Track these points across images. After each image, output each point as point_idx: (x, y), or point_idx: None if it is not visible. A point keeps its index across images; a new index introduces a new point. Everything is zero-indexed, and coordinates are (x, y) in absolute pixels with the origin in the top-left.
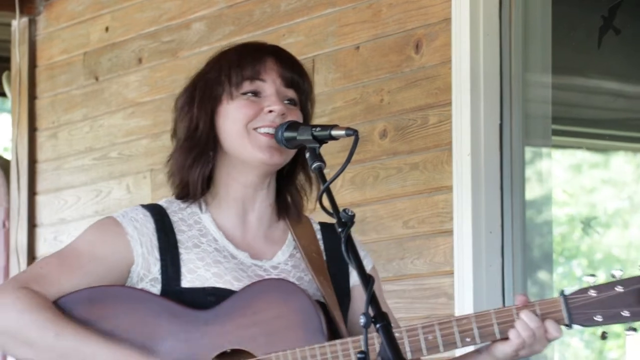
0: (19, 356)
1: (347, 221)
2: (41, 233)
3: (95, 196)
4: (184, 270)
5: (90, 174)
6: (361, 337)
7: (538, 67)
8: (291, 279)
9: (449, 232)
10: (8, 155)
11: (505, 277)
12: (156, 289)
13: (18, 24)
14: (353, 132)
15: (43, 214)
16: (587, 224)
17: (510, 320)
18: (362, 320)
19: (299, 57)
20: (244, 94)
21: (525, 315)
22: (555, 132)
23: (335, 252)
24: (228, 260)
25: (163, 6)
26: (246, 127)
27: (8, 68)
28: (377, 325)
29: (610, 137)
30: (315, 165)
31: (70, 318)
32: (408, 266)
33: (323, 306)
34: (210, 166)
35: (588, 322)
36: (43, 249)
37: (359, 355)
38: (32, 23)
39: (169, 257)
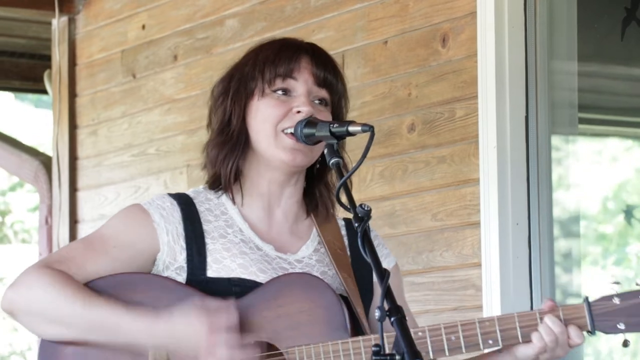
0: (47, 334)
1: (363, 216)
2: (82, 229)
3: (134, 192)
4: (209, 259)
5: (129, 170)
6: (384, 335)
7: (564, 55)
8: (315, 273)
9: (477, 225)
10: (50, 152)
11: (533, 269)
12: (181, 277)
13: (58, 23)
14: (369, 128)
15: (84, 210)
16: (630, 213)
17: (534, 325)
18: (377, 313)
19: (329, 52)
20: (275, 91)
21: (549, 320)
22: (582, 121)
23: (359, 248)
24: (253, 251)
25: (197, 3)
26: (275, 127)
27: (49, 66)
28: (392, 319)
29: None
30: (333, 161)
31: (95, 292)
32: (437, 258)
33: (346, 301)
34: (240, 160)
35: (611, 330)
36: None
37: (374, 349)
38: (71, 22)
39: (194, 247)
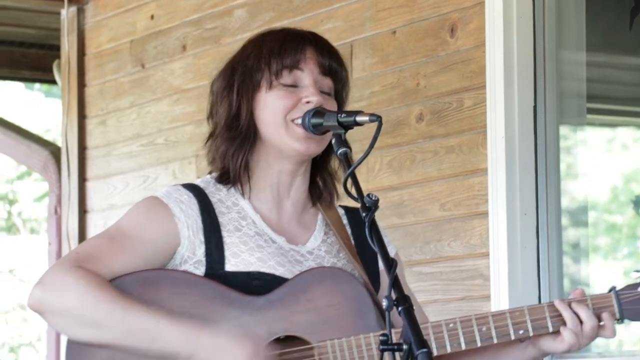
0: (81, 336)
1: (371, 206)
2: (92, 219)
3: (143, 182)
4: (227, 253)
5: (138, 160)
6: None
7: (572, 45)
8: (325, 264)
9: (485, 215)
10: (59, 142)
11: (541, 259)
12: (200, 271)
13: (67, 13)
14: (377, 118)
15: (93, 200)
16: (639, 203)
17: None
18: (384, 302)
19: (337, 43)
20: (283, 83)
21: (583, 312)
22: (590, 111)
23: (363, 236)
24: (269, 244)
25: None
26: (285, 118)
27: (58, 57)
28: (399, 308)
29: None
30: (341, 150)
31: (131, 296)
32: (445, 248)
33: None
34: (251, 150)
35: (637, 317)
36: (94, 234)
37: (381, 338)
38: (80, 12)
39: (213, 240)
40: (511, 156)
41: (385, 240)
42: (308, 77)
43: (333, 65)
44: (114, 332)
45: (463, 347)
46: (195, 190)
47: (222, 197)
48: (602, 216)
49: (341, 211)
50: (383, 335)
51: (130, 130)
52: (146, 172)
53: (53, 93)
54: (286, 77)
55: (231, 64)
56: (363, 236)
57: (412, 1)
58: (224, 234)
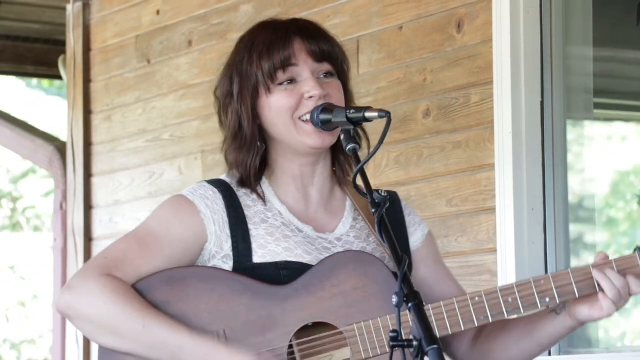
0: (105, 344)
1: (380, 202)
2: (97, 214)
3: (149, 178)
4: (254, 245)
5: (143, 156)
6: (440, 303)
7: (579, 40)
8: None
9: (492, 210)
10: (62, 139)
11: (548, 254)
12: (228, 265)
13: (72, 8)
14: (386, 114)
15: (98, 196)
16: None
17: (588, 278)
18: (394, 299)
19: (344, 38)
20: (280, 84)
21: (613, 276)
22: (597, 106)
23: (392, 219)
24: (295, 234)
25: None
26: (292, 117)
27: (63, 52)
28: (409, 305)
29: None
30: (350, 147)
31: (158, 309)
32: (452, 244)
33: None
34: (260, 154)
35: None
36: (99, 230)
37: (391, 334)
38: (86, 7)
39: (240, 234)
40: (518, 152)
41: (417, 219)
42: (304, 70)
43: (325, 49)
44: (135, 343)
45: (490, 319)
46: (221, 185)
47: (248, 191)
48: (609, 211)
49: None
50: (393, 332)
51: (136, 126)
52: (152, 167)
53: (53, 91)
54: (282, 76)
55: (228, 71)
56: (392, 218)
57: None
58: (251, 226)
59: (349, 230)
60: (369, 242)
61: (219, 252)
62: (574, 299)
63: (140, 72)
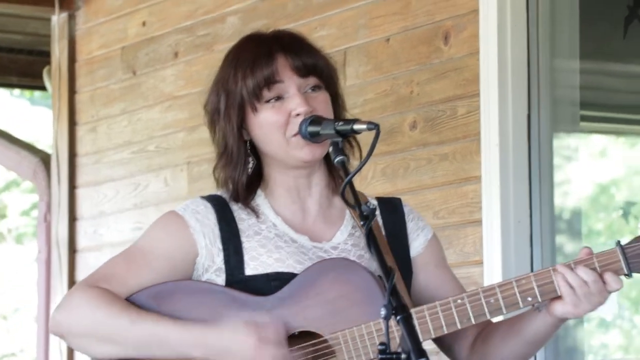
0: (99, 354)
1: (368, 214)
2: (81, 226)
3: (134, 189)
4: (246, 258)
5: (128, 167)
6: (424, 306)
7: (566, 53)
8: (352, 258)
9: (478, 222)
10: (49, 149)
11: (534, 267)
12: (221, 278)
13: (58, 19)
14: (374, 127)
15: (83, 207)
16: (628, 210)
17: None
18: (382, 312)
19: (331, 50)
20: (268, 101)
21: (581, 271)
22: (584, 118)
23: (393, 226)
24: (289, 244)
25: (198, 0)
26: (284, 135)
27: (47, 63)
28: (398, 317)
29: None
30: (338, 159)
31: (140, 307)
32: None
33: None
34: (247, 170)
35: None
36: (83, 241)
37: (379, 347)
38: (71, 18)
39: (231, 247)
40: (505, 164)
41: (421, 224)
42: (290, 86)
43: (308, 63)
44: (126, 344)
45: (473, 321)
46: (214, 200)
47: (243, 205)
48: (595, 224)
49: (374, 202)
50: (381, 344)
51: (121, 137)
52: (137, 179)
53: (38, 101)
54: (268, 94)
55: (214, 87)
56: (393, 225)
57: (406, 9)
58: (243, 239)
59: (347, 238)
60: (367, 250)
61: (212, 265)
62: (556, 296)
63: (126, 84)
